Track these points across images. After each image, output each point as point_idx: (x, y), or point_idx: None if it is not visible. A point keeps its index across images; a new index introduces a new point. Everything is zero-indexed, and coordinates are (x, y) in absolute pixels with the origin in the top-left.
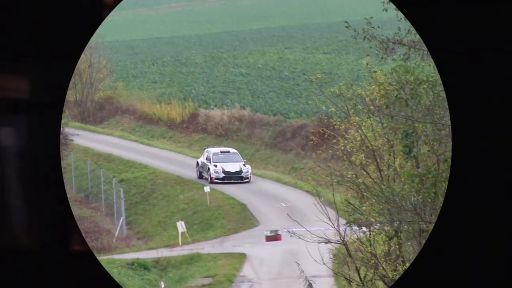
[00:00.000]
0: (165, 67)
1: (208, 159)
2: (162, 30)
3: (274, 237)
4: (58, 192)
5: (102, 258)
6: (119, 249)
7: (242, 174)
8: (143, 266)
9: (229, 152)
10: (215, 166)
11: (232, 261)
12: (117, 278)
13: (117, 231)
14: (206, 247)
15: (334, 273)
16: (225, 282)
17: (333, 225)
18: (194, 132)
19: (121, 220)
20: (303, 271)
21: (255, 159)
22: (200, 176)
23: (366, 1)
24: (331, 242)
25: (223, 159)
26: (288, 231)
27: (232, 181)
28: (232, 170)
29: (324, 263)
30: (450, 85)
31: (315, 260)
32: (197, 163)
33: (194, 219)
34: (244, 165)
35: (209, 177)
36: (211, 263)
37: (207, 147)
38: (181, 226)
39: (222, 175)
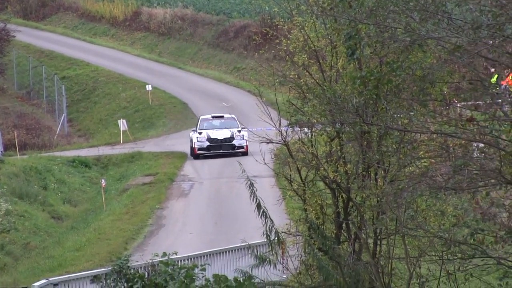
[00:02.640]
0: None
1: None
2: None
3: None
4: None
5: (43, 155)
6: (60, 146)
7: (234, 142)
8: (84, 163)
9: (222, 117)
10: (200, 133)
11: (173, 160)
12: (57, 175)
13: (59, 129)
14: (147, 146)
15: (275, 173)
16: (166, 180)
17: (275, 125)
18: (136, 31)
19: (62, 117)
20: (244, 171)
21: (197, 58)
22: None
23: None
24: (273, 142)
25: (214, 125)
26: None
27: (221, 151)
28: (220, 137)
29: (265, 163)
30: None
31: (257, 160)
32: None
33: (136, 117)
34: (238, 131)
35: (190, 149)
36: (152, 162)
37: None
38: (122, 124)
39: (207, 143)
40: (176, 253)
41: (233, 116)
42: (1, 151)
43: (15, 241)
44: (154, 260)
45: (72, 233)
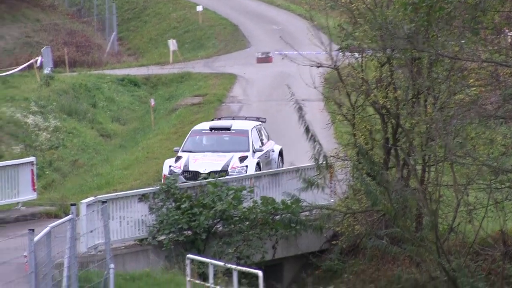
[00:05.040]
0: None
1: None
2: None
3: (265, 59)
4: None
5: (93, 73)
6: (110, 65)
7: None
8: (133, 82)
9: (228, 130)
10: (177, 159)
11: (222, 81)
12: (107, 93)
13: (108, 47)
14: (197, 66)
15: (325, 97)
16: (214, 101)
17: (325, 49)
18: None
19: (112, 35)
20: (293, 94)
21: None
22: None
23: None
24: (323, 66)
25: (206, 146)
26: (280, 54)
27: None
28: (203, 169)
29: (315, 87)
30: None
31: (306, 84)
32: None
33: (186, 38)
34: (242, 158)
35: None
36: (201, 83)
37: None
38: (172, 44)
39: (181, 179)
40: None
41: (244, 128)
42: (51, 68)
43: (63, 158)
44: (202, 181)
45: (121, 151)
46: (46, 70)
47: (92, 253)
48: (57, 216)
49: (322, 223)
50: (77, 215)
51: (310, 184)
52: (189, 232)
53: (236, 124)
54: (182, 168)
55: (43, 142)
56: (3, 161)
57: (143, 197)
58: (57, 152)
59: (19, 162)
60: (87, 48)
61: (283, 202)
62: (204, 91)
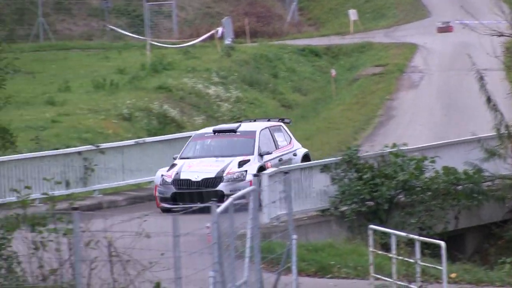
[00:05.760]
0: None
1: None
2: None
3: (446, 28)
4: None
5: (273, 43)
6: (290, 35)
7: (220, 187)
8: (314, 52)
9: (234, 132)
10: (171, 167)
11: (403, 51)
12: (288, 63)
13: (289, 17)
14: (378, 36)
15: (506, 66)
16: (396, 71)
17: (506, 18)
18: None
19: (293, 5)
20: (474, 64)
21: None
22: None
23: None
24: (504, 35)
25: (204, 151)
26: (461, 23)
27: (193, 204)
28: (195, 178)
29: (496, 56)
30: None
31: (487, 53)
32: None
33: (366, 8)
34: (242, 163)
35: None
36: (382, 53)
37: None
38: (352, 14)
39: (171, 189)
40: (406, 145)
41: (258, 129)
42: (232, 38)
43: None
44: (384, 151)
45: (302, 121)
46: (227, 41)
47: (274, 223)
48: None
49: (505, 193)
50: (260, 186)
51: (491, 154)
52: (371, 203)
53: (245, 126)
54: (173, 177)
55: (225, 113)
56: (185, 132)
57: (324, 168)
58: None
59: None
60: (267, 19)
61: (465, 172)
62: (385, 61)
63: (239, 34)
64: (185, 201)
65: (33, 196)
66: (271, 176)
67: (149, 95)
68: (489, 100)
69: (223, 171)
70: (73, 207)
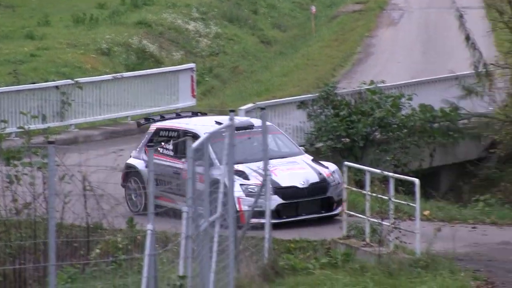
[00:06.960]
0: None
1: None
2: None
3: None
4: None
5: None
6: None
7: (329, 193)
8: None
9: (251, 128)
10: (244, 177)
11: None
12: (268, 0)
13: None
14: None
15: (486, 4)
16: (376, 9)
17: None
18: None
19: None
20: (454, 1)
21: None
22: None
23: None
24: None
25: (244, 152)
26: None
27: (304, 215)
28: (301, 184)
29: None
30: None
31: None
32: None
33: None
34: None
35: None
36: None
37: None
38: None
39: (277, 200)
40: (383, 82)
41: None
42: None
43: (224, 64)
44: (361, 88)
45: (280, 58)
46: None
47: None
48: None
49: (481, 131)
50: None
51: (469, 91)
52: (347, 140)
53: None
54: (275, 186)
55: (204, 49)
56: (163, 67)
57: (301, 104)
58: (217, 59)
59: (179, 69)
60: None
61: (441, 110)
62: None
63: None
64: (292, 213)
65: (9, 129)
66: (248, 111)
67: (129, 30)
68: (468, 38)
69: (319, 173)
70: (48, 141)
